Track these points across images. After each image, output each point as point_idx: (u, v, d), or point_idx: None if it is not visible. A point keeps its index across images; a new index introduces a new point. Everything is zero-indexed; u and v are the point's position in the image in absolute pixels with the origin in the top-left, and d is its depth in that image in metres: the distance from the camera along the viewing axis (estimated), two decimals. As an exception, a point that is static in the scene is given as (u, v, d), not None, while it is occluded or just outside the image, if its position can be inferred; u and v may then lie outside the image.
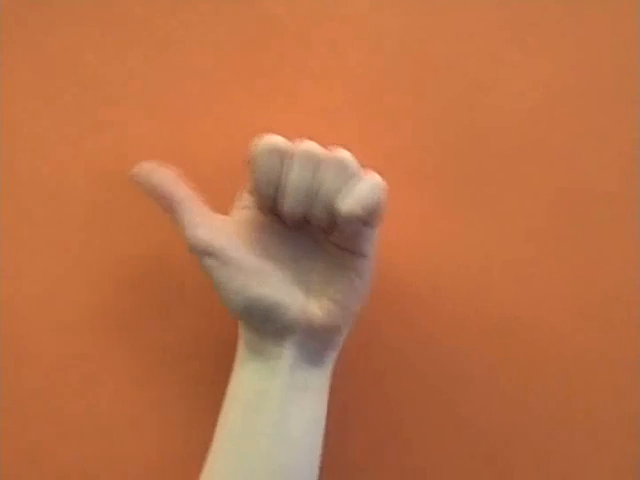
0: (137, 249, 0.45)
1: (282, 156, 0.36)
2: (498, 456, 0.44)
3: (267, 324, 0.37)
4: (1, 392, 0.44)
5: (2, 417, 0.44)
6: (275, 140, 0.36)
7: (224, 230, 0.38)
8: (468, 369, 0.44)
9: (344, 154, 0.36)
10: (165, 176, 0.38)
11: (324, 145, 0.37)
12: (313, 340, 0.38)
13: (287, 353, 0.37)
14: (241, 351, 0.39)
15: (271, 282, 0.37)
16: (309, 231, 0.39)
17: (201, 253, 0.37)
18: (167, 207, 0.38)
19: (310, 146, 0.36)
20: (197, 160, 0.45)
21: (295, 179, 0.36)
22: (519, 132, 0.44)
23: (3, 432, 0.44)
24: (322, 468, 0.39)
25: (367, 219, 0.36)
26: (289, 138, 0.37)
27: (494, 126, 0.44)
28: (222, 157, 0.45)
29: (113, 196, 0.45)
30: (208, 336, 0.44)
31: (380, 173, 0.36)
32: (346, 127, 0.45)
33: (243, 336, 0.39)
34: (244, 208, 0.39)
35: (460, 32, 0.44)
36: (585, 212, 0.44)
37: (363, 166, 0.37)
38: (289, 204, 0.36)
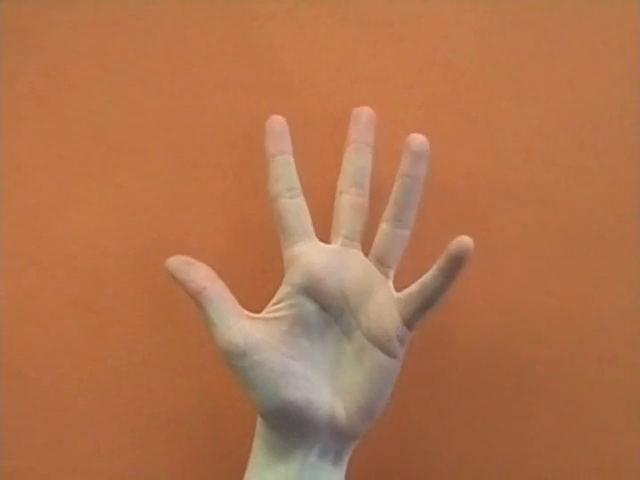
0: (148, 333, 0.44)
1: None
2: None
3: (294, 427, 0.37)
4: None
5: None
6: None
7: (255, 330, 0.37)
8: (466, 386, 0.44)
9: None
10: (199, 271, 0.37)
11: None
12: (336, 443, 0.38)
13: (311, 453, 0.37)
14: (261, 452, 0.38)
15: (302, 385, 0.37)
16: (340, 327, 0.39)
17: (232, 355, 0.36)
18: (198, 303, 0.37)
19: None
20: (212, 226, 0.44)
21: None
22: (515, 173, 0.44)
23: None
24: None
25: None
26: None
27: (488, 167, 0.44)
28: (238, 222, 0.44)
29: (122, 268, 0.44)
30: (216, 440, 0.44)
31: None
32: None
33: (264, 437, 0.38)
34: (276, 303, 0.38)
35: (453, 74, 0.44)
36: (584, 252, 0.44)
37: None
38: None
